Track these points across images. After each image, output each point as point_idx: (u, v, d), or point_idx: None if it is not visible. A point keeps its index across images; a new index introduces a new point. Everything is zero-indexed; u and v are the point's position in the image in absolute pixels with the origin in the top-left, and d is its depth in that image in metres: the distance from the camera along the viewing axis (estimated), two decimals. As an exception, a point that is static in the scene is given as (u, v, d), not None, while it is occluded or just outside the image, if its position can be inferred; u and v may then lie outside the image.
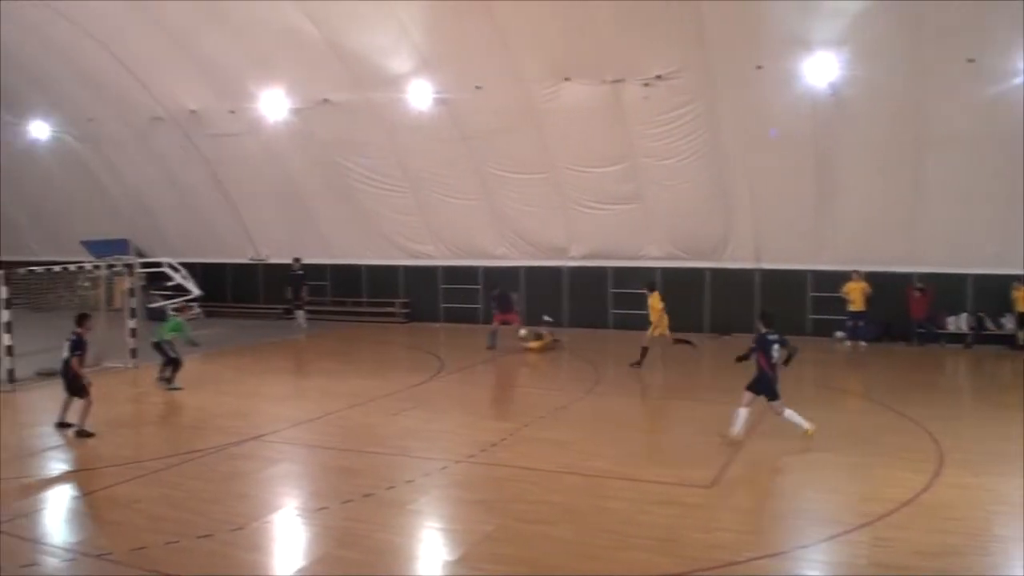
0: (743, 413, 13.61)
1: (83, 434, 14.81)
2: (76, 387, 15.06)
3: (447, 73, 25.21)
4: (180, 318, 20.15)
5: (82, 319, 15.66)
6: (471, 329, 27.57)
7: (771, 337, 13.62)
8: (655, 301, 21.26)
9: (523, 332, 24.19)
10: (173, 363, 19.28)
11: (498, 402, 16.59)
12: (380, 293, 31.42)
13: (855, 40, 21.05)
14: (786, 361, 13.79)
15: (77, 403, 15.10)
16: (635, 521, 10.21)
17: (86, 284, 24.01)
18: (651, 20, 21.89)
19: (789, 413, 13.73)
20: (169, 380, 19.16)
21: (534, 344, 23.83)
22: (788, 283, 25.84)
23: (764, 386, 13.59)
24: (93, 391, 15.12)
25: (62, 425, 15.14)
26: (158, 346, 19.43)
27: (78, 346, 15.17)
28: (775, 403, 13.71)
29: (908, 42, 20.76)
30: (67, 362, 15.06)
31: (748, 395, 13.67)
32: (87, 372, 15.41)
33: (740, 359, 14.32)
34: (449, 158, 27.39)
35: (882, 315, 24.54)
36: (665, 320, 21.12)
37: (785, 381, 13.72)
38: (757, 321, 14.32)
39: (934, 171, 22.67)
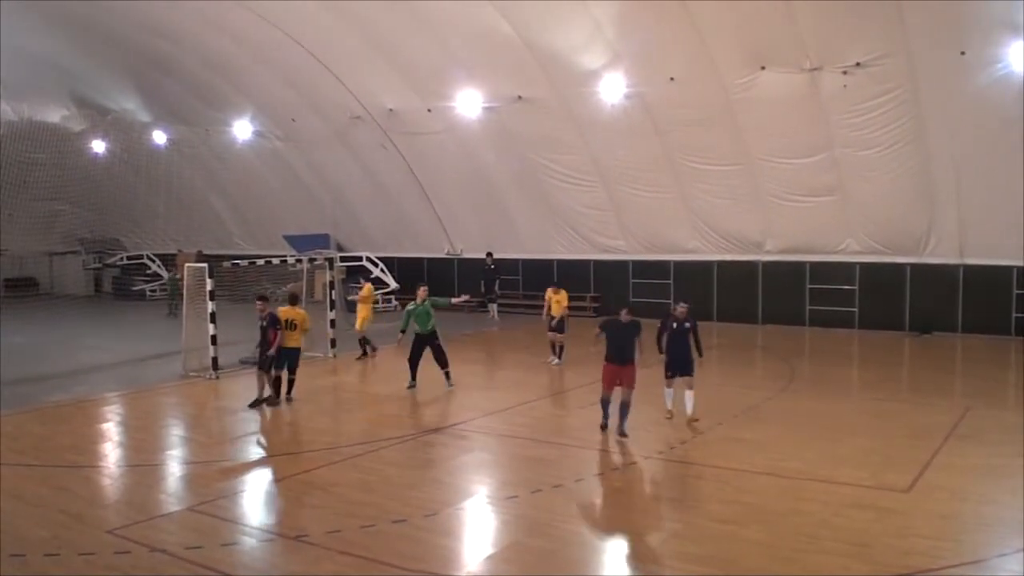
0: (669, 392, 15.19)
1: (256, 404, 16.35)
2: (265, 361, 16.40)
3: (640, 66, 25.08)
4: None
5: (262, 297, 16.95)
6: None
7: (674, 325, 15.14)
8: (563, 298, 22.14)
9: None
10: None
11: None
12: (571, 287, 31.42)
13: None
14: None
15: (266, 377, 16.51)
16: (829, 524, 9.92)
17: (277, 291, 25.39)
18: (849, 6, 21.12)
19: (668, 392, 15.22)
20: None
21: None
22: (993, 280, 24.49)
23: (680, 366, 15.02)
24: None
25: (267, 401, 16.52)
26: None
27: (276, 321, 16.42)
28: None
29: None
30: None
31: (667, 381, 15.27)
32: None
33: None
34: (641, 151, 27.27)
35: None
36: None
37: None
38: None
39: None
